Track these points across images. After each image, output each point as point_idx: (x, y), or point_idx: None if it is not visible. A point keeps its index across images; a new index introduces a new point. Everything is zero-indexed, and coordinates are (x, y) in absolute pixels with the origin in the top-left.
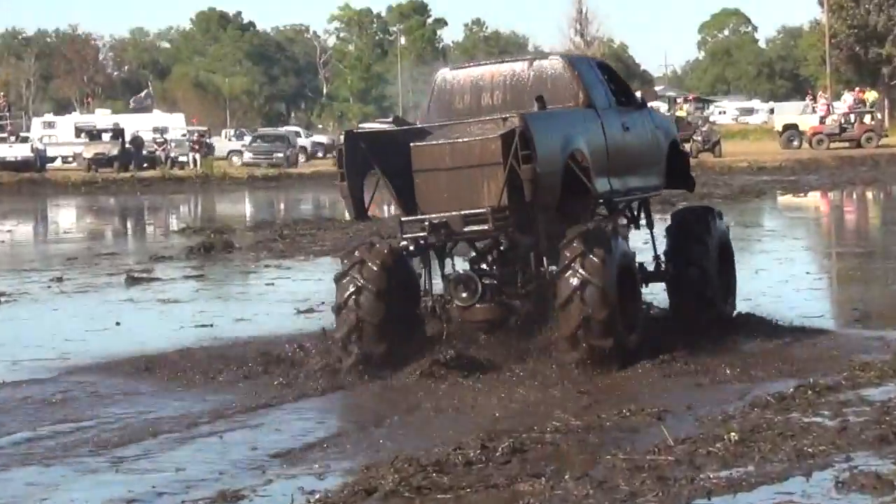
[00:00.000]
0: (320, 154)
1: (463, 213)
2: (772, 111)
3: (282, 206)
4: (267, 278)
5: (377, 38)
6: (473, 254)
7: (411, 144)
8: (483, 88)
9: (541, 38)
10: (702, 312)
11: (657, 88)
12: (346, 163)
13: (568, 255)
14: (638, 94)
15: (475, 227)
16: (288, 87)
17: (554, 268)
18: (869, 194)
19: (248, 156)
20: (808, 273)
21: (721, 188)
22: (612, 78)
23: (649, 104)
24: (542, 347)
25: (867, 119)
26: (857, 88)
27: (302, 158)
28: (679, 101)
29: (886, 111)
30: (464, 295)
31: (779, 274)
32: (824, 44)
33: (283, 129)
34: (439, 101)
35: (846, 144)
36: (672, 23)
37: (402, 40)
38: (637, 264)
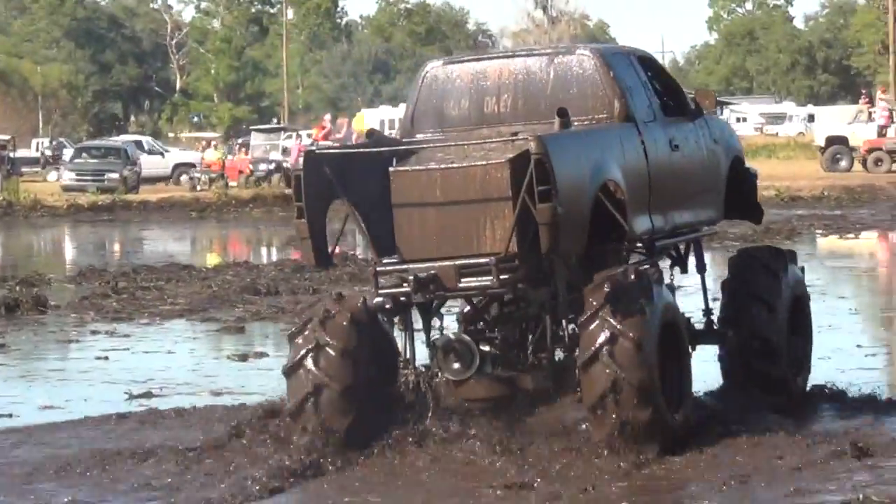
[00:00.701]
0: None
1: (458, 263)
2: (811, 118)
3: (116, 247)
4: (96, 350)
5: (253, 10)
6: (466, 309)
7: (391, 170)
8: (486, 90)
9: (487, 12)
10: (766, 393)
11: None
12: (305, 193)
13: (594, 301)
14: (691, 97)
15: (474, 282)
16: (126, 79)
17: (574, 327)
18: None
19: (69, 176)
20: (858, 346)
21: (737, 226)
22: (658, 77)
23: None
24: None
25: None
26: None
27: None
28: None
29: None
30: (456, 366)
31: (818, 347)
32: (886, 24)
33: (119, 140)
34: (427, 106)
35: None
36: None
37: (290, 13)
38: (685, 320)
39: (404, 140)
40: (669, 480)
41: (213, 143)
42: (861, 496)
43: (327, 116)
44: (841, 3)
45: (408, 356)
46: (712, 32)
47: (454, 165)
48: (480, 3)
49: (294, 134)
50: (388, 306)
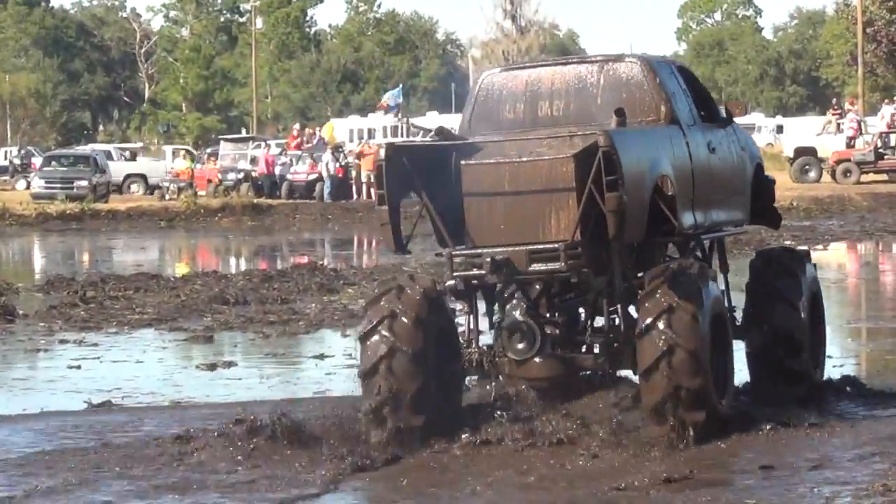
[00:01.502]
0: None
1: (529, 248)
2: (780, 129)
3: (85, 256)
4: (64, 359)
5: (223, 19)
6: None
7: (462, 163)
8: (540, 95)
9: (456, 22)
10: (790, 386)
11: None
12: (387, 183)
13: (651, 309)
14: (722, 107)
15: (543, 266)
16: (95, 88)
17: (630, 311)
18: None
19: (38, 184)
20: (828, 357)
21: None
22: (693, 86)
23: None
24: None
25: None
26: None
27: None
28: None
29: None
30: (520, 346)
31: None
32: (855, 35)
33: (88, 148)
34: (484, 109)
35: (884, 177)
36: (641, 2)
37: (259, 23)
38: (728, 311)
39: (469, 139)
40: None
41: (182, 152)
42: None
43: (296, 126)
44: (810, 14)
45: (472, 336)
46: (681, 43)
47: (522, 159)
48: (449, 13)
49: (262, 143)
50: (460, 288)
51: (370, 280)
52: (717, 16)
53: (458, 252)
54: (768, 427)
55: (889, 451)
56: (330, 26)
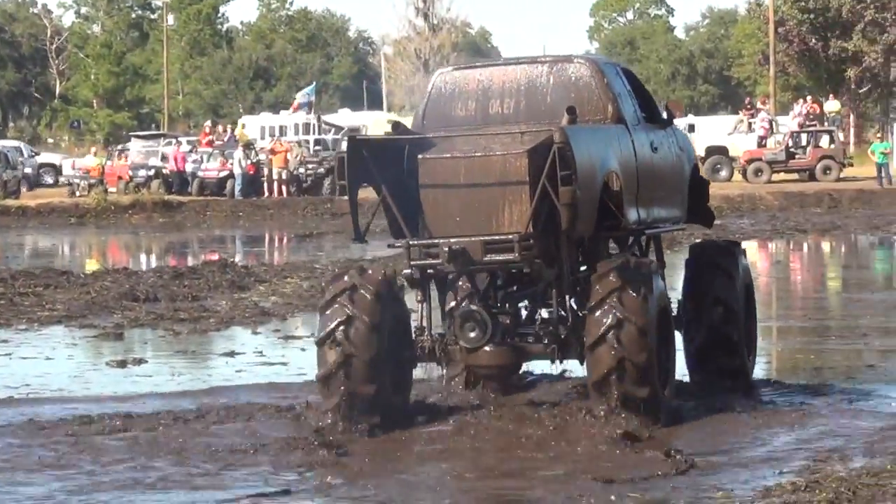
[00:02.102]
0: (49, 179)
1: (485, 238)
2: (691, 128)
3: None
4: None
5: (134, 15)
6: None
7: (419, 156)
8: (492, 94)
9: (368, 20)
10: (726, 359)
11: None
12: (348, 173)
13: (601, 289)
14: (662, 107)
15: (498, 257)
16: (5, 83)
17: (573, 305)
18: (825, 246)
19: None
20: None
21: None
22: (636, 88)
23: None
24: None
25: (825, 141)
26: (812, 98)
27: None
28: None
29: (852, 130)
30: (472, 335)
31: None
32: (767, 34)
33: None
34: (437, 106)
35: (795, 176)
36: (553, 1)
37: (170, 19)
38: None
39: (427, 134)
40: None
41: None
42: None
43: (207, 124)
44: (722, 14)
45: (425, 324)
46: (593, 41)
47: (477, 154)
48: (361, 11)
49: (174, 140)
50: (416, 276)
51: (281, 277)
52: (629, 14)
53: (415, 242)
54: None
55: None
56: (242, 23)
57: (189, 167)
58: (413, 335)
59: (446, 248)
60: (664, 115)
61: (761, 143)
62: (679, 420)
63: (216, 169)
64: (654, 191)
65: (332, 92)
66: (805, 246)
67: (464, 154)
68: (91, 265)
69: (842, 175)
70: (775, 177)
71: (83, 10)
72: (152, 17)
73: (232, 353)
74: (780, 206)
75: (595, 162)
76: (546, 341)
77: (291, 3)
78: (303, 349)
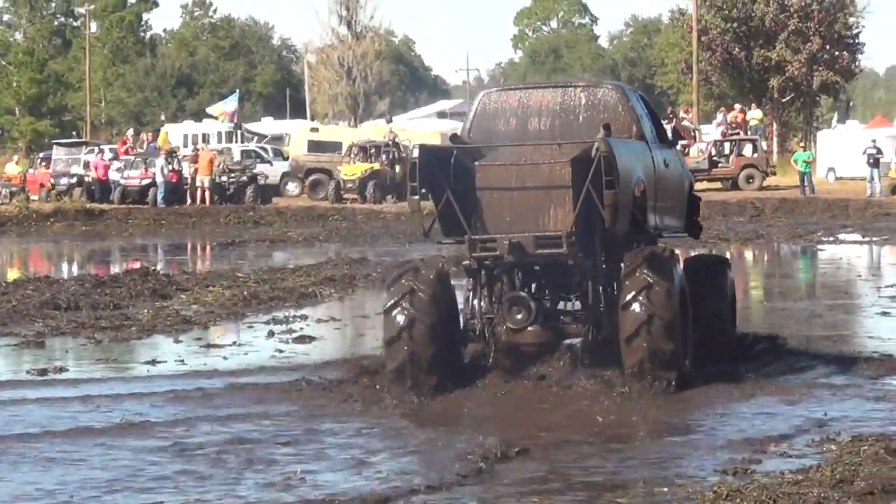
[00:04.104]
0: None
1: (536, 234)
2: None
3: None
4: None
5: (56, 23)
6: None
7: (477, 164)
8: (530, 113)
9: (291, 27)
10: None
11: (456, 102)
12: (419, 178)
13: (632, 286)
14: (669, 129)
15: (547, 250)
16: None
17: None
18: (748, 255)
19: None
20: None
21: None
22: (650, 112)
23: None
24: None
25: (748, 150)
26: (736, 107)
27: None
28: None
29: (775, 139)
30: (519, 317)
31: None
32: (690, 43)
33: None
34: (482, 122)
35: (718, 185)
36: (477, 10)
37: (93, 26)
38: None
39: (480, 146)
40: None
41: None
42: None
43: (130, 132)
44: (645, 23)
45: (476, 309)
46: (517, 50)
47: (528, 163)
48: (285, 19)
49: (96, 148)
50: (473, 266)
51: (203, 286)
52: (553, 23)
53: (476, 237)
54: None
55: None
56: (165, 31)
57: (112, 175)
58: (462, 318)
59: (506, 242)
60: (670, 136)
61: (684, 151)
62: (688, 386)
63: (138, 177)
64: (665, 201)
65: (256, 100)
66: (728, 255)
67: (515, 162)
68: (12, 273)
69: (765, 184)
70: (698, 185)
71: (5, 17)
72: (75, 24)
73: (153, 362)
74: (703, 214)
75: (629, 171)
76: (583, 322)
77: (215, 11)
78: (225, 357)
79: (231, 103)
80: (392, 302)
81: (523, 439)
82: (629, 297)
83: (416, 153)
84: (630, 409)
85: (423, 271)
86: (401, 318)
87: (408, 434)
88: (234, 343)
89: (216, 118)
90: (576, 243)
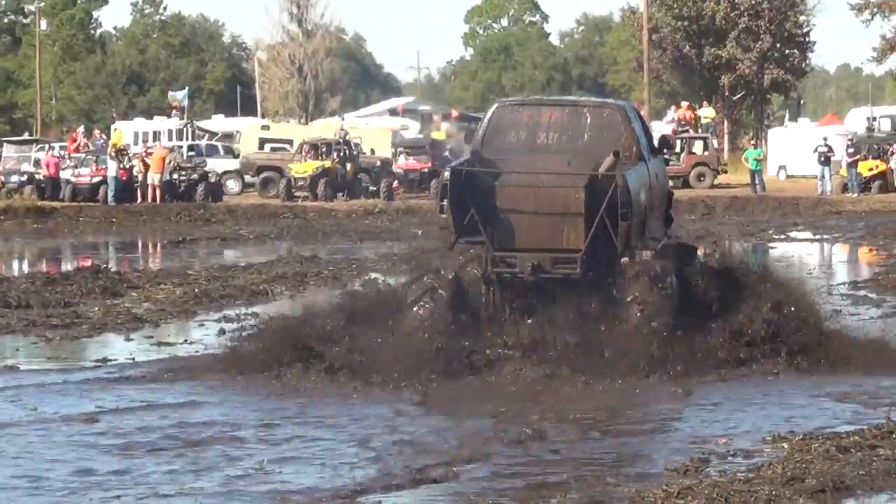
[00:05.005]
0: None
1: (553, 255)
2: None
3: None
4: None
5: (6, 20)
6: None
7: (497, 184)
8: (539, 127)
9: (242, 25)
10: None
11: (408, 99)
12: (451, 196)
13: (630, 265)
14: (656, 138)
15: (562, 268)
16: None
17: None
18: (699, 253)
19: None
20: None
21: None
22: (642, 124)
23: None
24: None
25: (698, 148)
26: (686, 104)
27: None
28: (436, 118)
29: (727, 137)
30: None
31: None
32: (641, 41)
33: None
34: (494, 134)
35: (669, 183)
36: (428, 8)
37: (43, 24)
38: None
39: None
40: None
41: None
42: None
43: (81, 129)
44: (597, 21)
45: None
46: (468, 48)
47: (545, 185)
48: (235, 16)
49: (46, 146)
50: (492, 278)
51: (154, 283)
52: (504, 21)
53: (498, 255)
54: None
55: None
56: (115, 28)
57: (63, 173)
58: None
59: (528, 264)
60: (657, 145)
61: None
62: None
63: (89, 175)
64: (655, 210)
65: (206, 97)
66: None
67: (533, 184)
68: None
69: (716, 182)
70: None
71: None
72: (25, 21)
73: (105, 360)
74: None
75: (638, 198)
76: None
77: (165, 8)
78: (175, 356)
79: (182, 98)
80: (414, 298)
81: (487, 443)
82: (631, 274)
83: (447, 175)
84: (580, 407)
85: (444, 272)
86: (421, 311)
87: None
88: (186, 341)
89: (172, 107)
90: (587, 262)
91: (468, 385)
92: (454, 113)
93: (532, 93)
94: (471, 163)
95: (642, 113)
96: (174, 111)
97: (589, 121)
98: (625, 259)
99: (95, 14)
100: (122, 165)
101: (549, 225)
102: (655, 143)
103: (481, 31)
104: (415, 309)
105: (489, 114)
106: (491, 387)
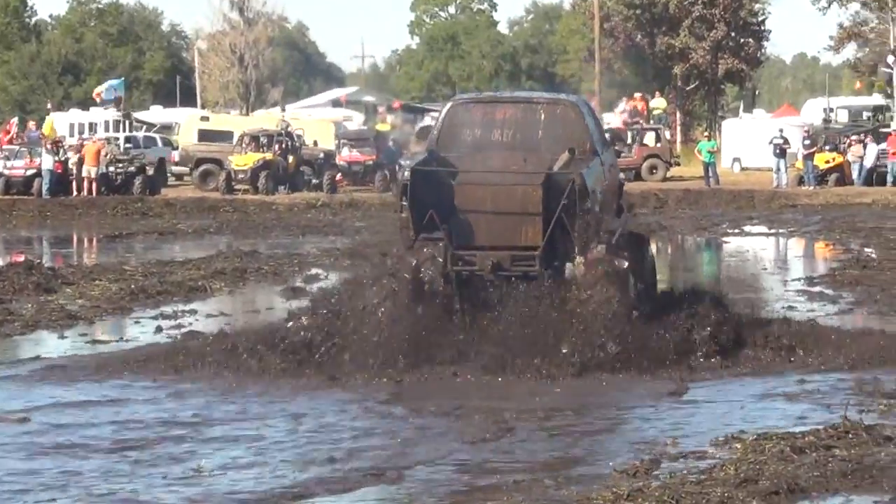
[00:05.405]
0: None
1: (512, 253)
2: None
3: None
4: None
5: None
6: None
7: (454, 183)
8: (494, 124)
9: (181, 13)
10: None
11: (351, 89)
12: (410, 197)
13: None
14: (608, 131)
15: (520, 266)
16: None
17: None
18: (651, 248)
19: None
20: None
21: None
22: (594, 118)
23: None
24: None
25: (650, 139)
26: (638, 95)
27: None
28: (381, 109)
29: (679, 128)
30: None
31: None
32: (592, 30)
33: None
34: (449, 131)
35: (620, 175)
36: None
37: None
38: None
39: (455, 159)
40: None
41: None
42: None
43: (14, 120)
44: (546, 9)
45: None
46: (414, 37)
47: (502, 184)
48: (174, 4)
49: None
50: (452, 275)
51: (89, 279)
52: (452, 9)
53: (458, 252)
54: None
55: None
56: (51, 16)
57: None
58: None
59: (488, 262)
60: (609, 138)
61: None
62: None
63: (23, 167)
64: (608, 202)
65: (144, 87)
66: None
67: (491, 183)
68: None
69: (668, 174)
70: None
71: None
72: None
73: (37, 358)
74: None
75: (595, 194)
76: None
77: None
78: (111, 352)
79: (114, 90)
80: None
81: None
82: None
83: (406, 174)
84: (535, 405)
85: (403, 275)
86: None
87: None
88: (121, 339)
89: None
90: (544, 259)
91: (431, 383)
92: (396, 104)
93: (480, 83)
94: (428, 162)
95: (593, 104)
96: (107, 105)
97: (543, 117)
98: (580, 256)
99: (30, 2)
100: (57, 158)
101: (508, 223)
102: (607, 136)
103: (428, 20)
104: (377, 312)
105: (444, 112)
106: (453, 385)
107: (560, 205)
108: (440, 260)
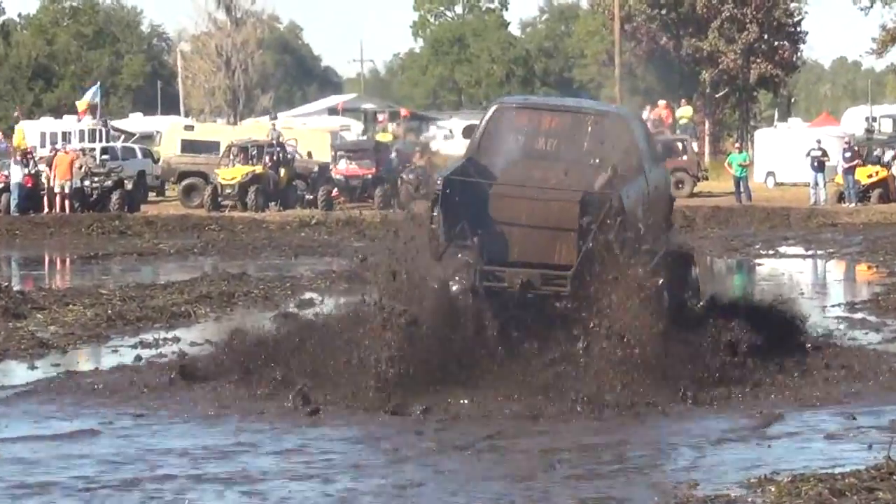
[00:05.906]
0: None
1: (543, 272)
2: None
3: None
4: None
5: None
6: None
7: (491, 192)
8: (539, 132)
9: (161, 11)
10: None
11: (349, 96)
12: (443, 207)
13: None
14: (660, 141)
15: (552, 286)
16: None
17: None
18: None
19: None
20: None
21: None
22: (645, 131)
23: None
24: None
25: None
26: (663, 103)
27: None
28: (382, 117)
29: (708, 139)
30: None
31: None
32: (612, 32)
33: None
34: (492, 136)
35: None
36: None
37: None
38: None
39: (494, 168)
40: None
41: None
42: None
43: None
44: (562, 9)
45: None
46: (418, 39)
47: (539, 198)
48: (155, 3)
49: None
50: (481, 291)
51: (62, 304)
52: (458, 9)
53: (488, 269)
54: None
55: None
56: (20, 16)
57: None
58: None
59: (518, 279)
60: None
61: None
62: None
63: None
64: (653, 222)
65: (122, 94)
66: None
67: (526, 197)
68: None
69: (696, 190)
70: None
71: None
72: None
73: (2, 388)
74: None
75: (634, 215)
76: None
77: None
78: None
79: (94, 96)
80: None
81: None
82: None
83: (440, 183)
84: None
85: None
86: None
87: None
88: (97, 369)
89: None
90: (577, 280)
91: (459, 409)
92: (403, 112)
93: (490, 90)
94: (465, 170)
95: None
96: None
97: (590, 129)
98: (613, 277)
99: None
100: (26, 171)
101: (541, 240)
102: (658, 148)
103: (432, 20)
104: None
105: (488, 115)
106: (480, 414)
107: (594, 225)
108: (474, 268)
